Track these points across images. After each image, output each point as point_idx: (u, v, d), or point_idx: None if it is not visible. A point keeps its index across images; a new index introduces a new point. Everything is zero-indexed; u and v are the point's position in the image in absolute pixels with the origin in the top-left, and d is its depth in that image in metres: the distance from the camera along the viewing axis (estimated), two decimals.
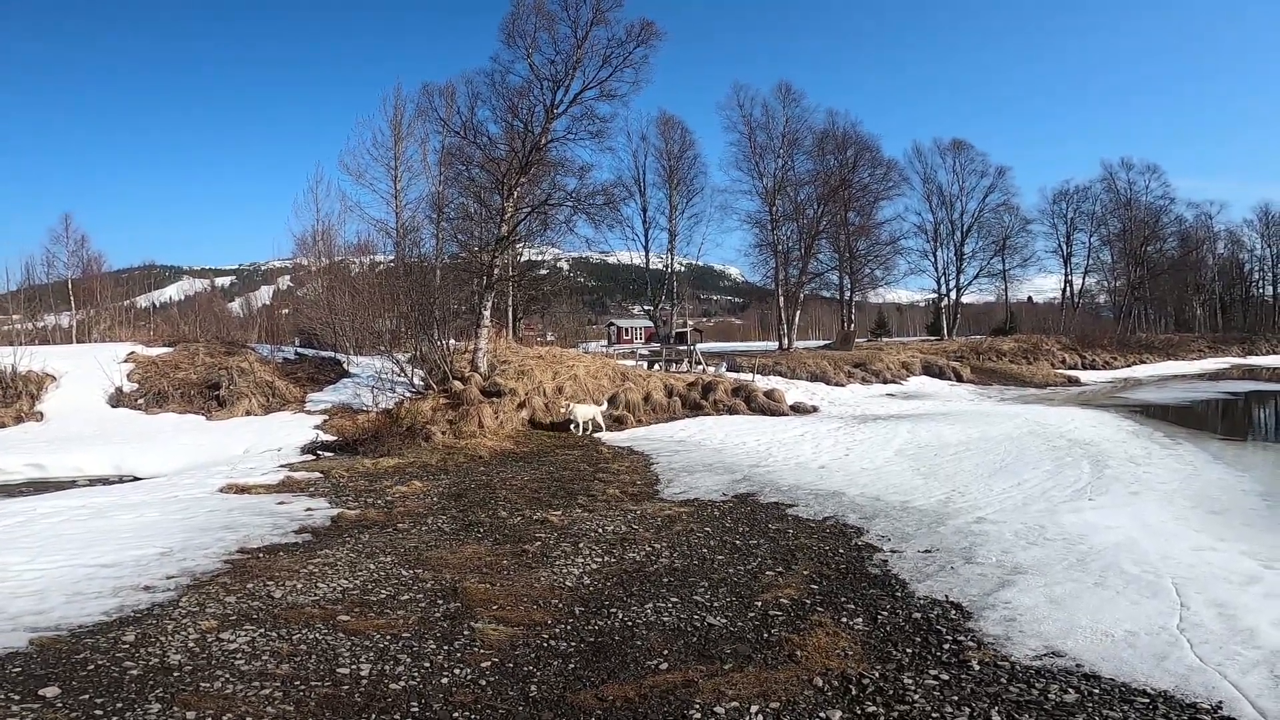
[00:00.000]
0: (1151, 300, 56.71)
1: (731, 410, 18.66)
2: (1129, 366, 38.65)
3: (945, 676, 4.02)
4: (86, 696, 3.85)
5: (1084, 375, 33.73)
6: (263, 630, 4.83)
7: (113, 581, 5.78)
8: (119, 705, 3.77)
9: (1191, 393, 25.72)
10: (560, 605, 5.35)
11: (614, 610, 5.23)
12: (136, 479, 11.30)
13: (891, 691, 3.87)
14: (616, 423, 16.55)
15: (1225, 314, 62.39)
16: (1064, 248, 54.86)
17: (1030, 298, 66.58)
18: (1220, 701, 3.64)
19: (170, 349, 19.70)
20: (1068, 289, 56.14)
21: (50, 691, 3.87)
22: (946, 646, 4.43)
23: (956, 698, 3.78)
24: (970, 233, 48.01)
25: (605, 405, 16.81)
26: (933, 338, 47.95)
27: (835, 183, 38.52)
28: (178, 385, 17.24)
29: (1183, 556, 6.05)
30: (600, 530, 7.56)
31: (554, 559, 6.52)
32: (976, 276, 49.22)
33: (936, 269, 48.43)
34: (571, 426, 15.57)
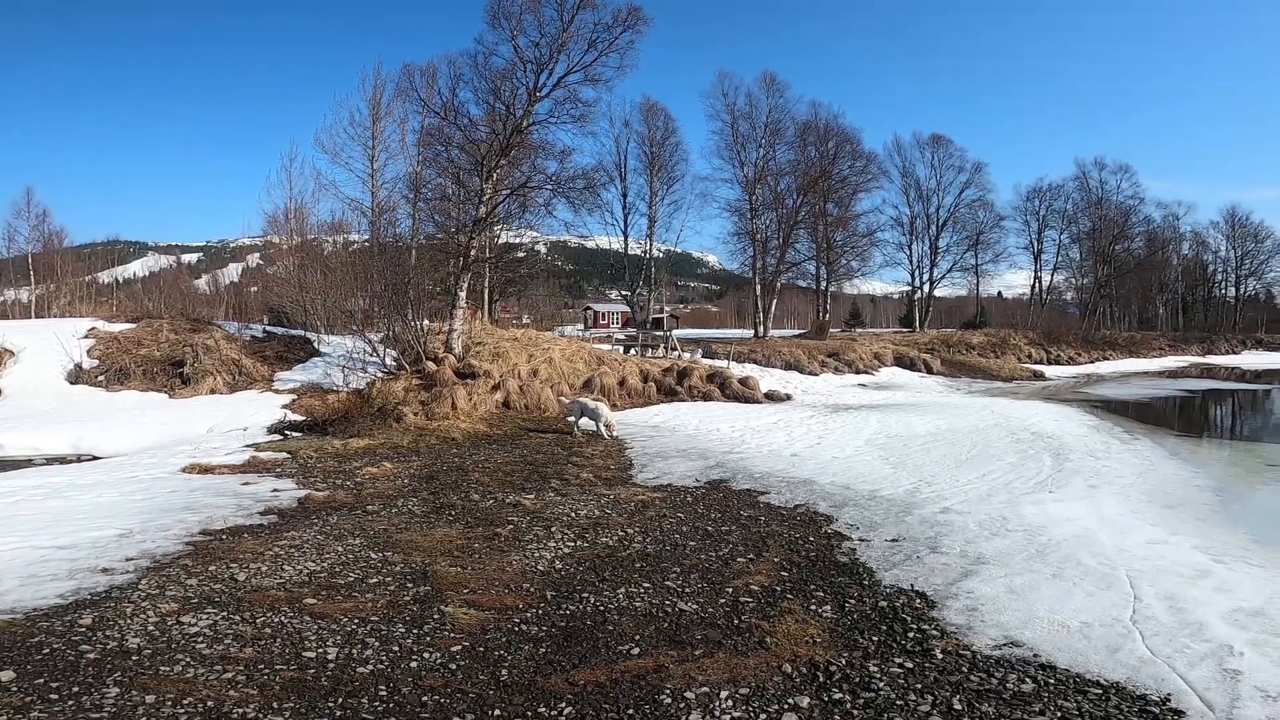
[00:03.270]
0: (1117, 298, 58.03)
1: (706, 396, 18.76)
2: (1092, 363, 39.50)
3: (910, 665, 4.10)
4: (42, 680, 3.77)
5: (1049, 370, 34.43)
6: (225, 613, 4.75)
7: (69, 564, 5.64)
8: (75, 689, 3.70)
9: (1151, 390, 26.39)
10: (532, 589, 5.34)
11: (586, 595, 5.24)
12: (95, 458, 11.02)
13: (858, 679, 3.94)
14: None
15: (1187, 313, 64.12)
16: (1035, 244, 56.08)
17: (1000, 293, 67.92)
18: (1169, 694, 3.74)
19: (133, 325, 19.20)
20: (1037, 285, 57.35)
21: (5, 675, 3.79)
22: (911, 635, 4.51)
23: (920, 686, 3.86)
24: (945, 227, 48.80)
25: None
26: (905, 329, 48.70)
27: (815, 174, 38.90)
28: (140, 362, 16.83)
29: (1137, 549, 6.22)
30: (573, 514, 7.56)
31: (526, 543, 6.51)
32: (950, 270, 50.15)
33: (911, 262, 49.24)
34: (577, 425, 13.30)
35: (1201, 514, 7.83)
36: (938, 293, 51.84)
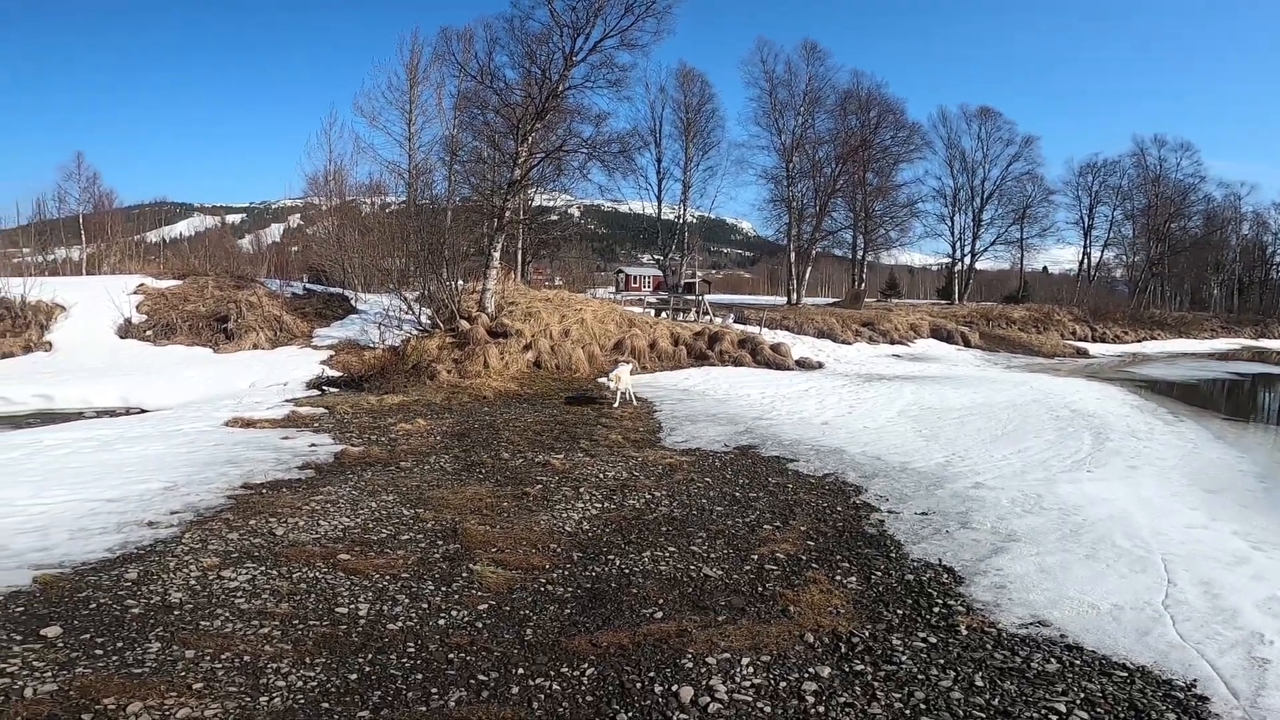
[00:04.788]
0: (1169, 277, 55.94)
1: (737, 362, 18.69)
2: (1139, 342, 38.32)
3: (933, 640, 4.08)
4: (88, 636, 3.87)
5: (1093, 348, 33.51)
6: (263, 568, 4.89)
7: (117, 517, 5.81)
8: (119, 644, 3.80)
9: (1199, 371, 25.53)
10: (559, 550, 5.42)
11: (611, 557, 5.30)
12: (143, 411, 11.41)
13: (880, 651, 3.93)
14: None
15: (1242, 295, 61.48)
16: (1085, 220, 54.15)
17: (1045, 268, 65.78)
18: (1195, 680, 3.67)
19: (179, 282, 19.73)
20: (1085, 261, 55.43)
21: (52, 631, 3.88)
22: (936, 610, 4.48)
23: (943, 661, 3.84)
24: (990, 200, 47.32)
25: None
26: (943, 301, 47.67)
27: (855, 143, 38.13)
28: (186, 318, 17.31)
29: (1175, 533, 6.06)
30: (601, 476, 7.62)
31: (554, 503, 6.60)
32: (993, 243, 48.75)
33: (952, 233, 47.99)
34: (614, 390, 12.38)
35: (1244, 500, 7.59)
36: (979, 265, 50.53)
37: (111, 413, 11.28)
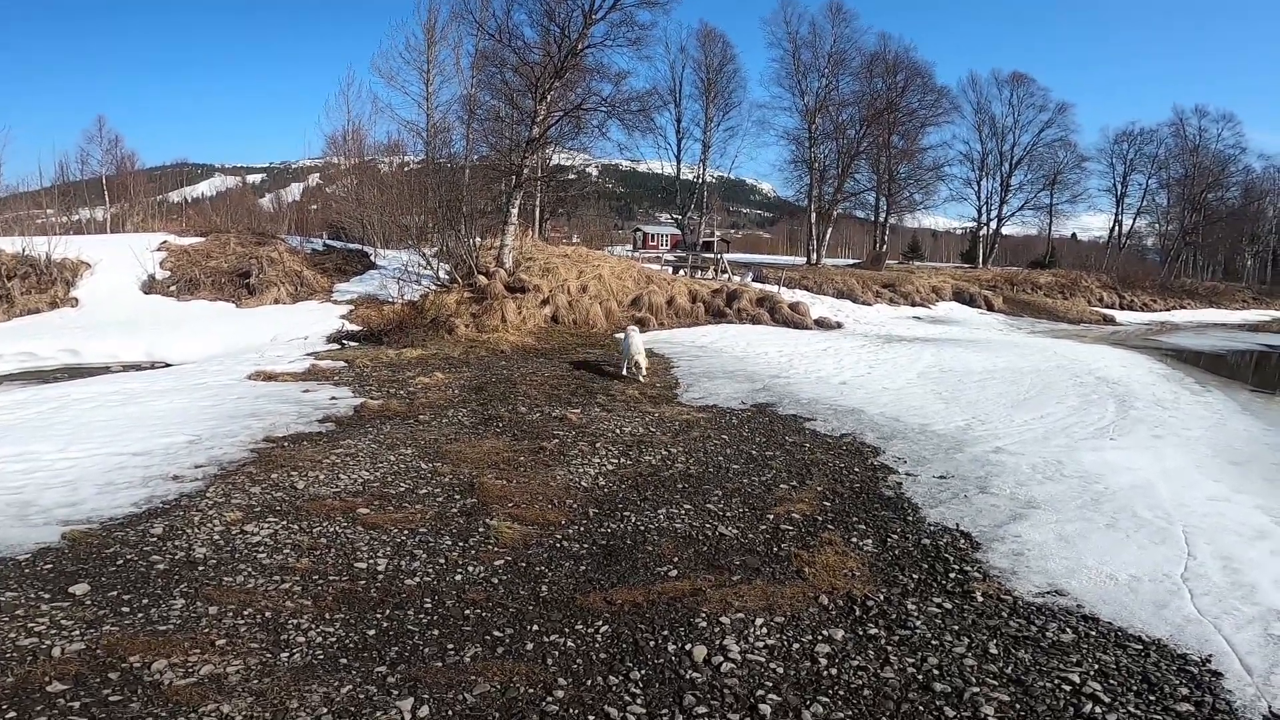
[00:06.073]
0: (1203, 247, 54.58)
1: (755, 320, 18.59)
2: (1168, 311, 37.55)
3: (949, 605, 4.06)
4: (115, 593, 3.90)
5: (1120, 315, 32.89)
6: (285, 523, 4.93)
7: (142, 471, 5.85)
8: (145, 601, 3.83)
9: (1229, 342, 24.96)
10: (575, 505, 5.45)
11: (627, 514, 5.32)
12: (168, 365, 11.55)
13: (894, 615, 3.93)
14: (639, 325, 16.54)
15: (1276, 267, 59.95)
16: (1118, 187, 52.74)
17: (1074, 234, 64.39)
18: (1210, 655, 3.63)
19: (202, 239, 19.84)
20: (1116, 229, 54.12)
21: (80, 589, 3.90)
22: (953, 575, 4.46)
23: (957, 627, 3.83)
24: (1019, 165, 46.09)
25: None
26: (967, 265, 46.90)
27: (881, 106, 37.32)
28: (209, 273, 17.44)
29: (1197, 505, 5.94)
30: (618, 431, 7.63)
31: (571, 458, 6.62)
32: (1021, 208, 47.69)
33: (979, 197, 46.92)
34: (628, 368, 10.81)
35: (1269, 473, 7.40)
36: (1005, 230, 49.53)
37: (137, 367, 11.45)
